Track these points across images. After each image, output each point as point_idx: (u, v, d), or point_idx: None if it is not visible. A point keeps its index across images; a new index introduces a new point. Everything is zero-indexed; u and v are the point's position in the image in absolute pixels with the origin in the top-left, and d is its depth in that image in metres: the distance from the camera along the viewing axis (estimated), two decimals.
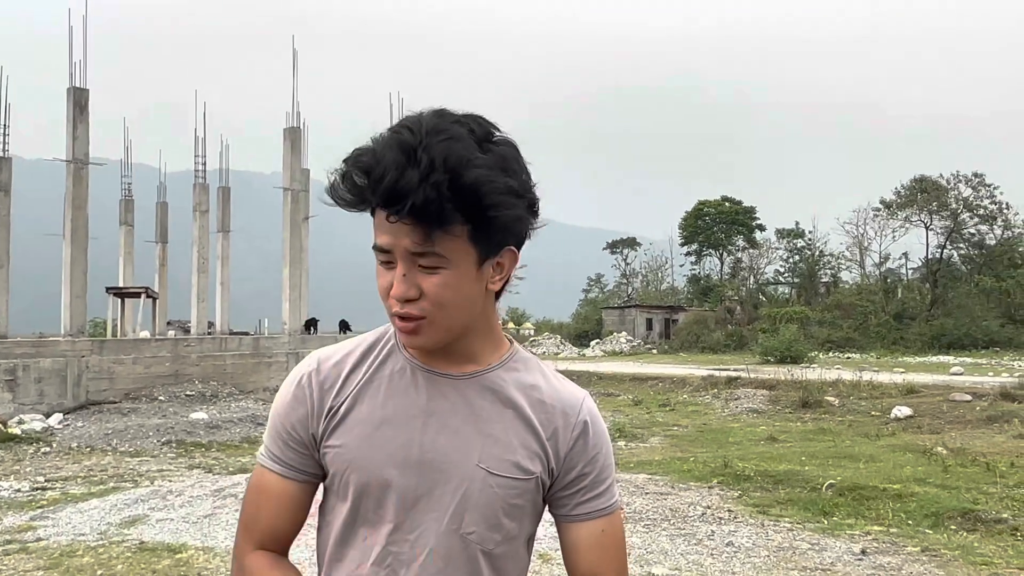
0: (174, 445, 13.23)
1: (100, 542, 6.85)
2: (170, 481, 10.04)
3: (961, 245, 58.80)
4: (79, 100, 19.88)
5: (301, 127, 24.40)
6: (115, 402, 17.88)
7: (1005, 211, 56.72)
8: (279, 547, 1.43)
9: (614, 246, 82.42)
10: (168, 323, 31.62)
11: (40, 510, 8.28)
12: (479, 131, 1.25)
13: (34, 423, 14.90)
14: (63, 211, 20.03)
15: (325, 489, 1.43)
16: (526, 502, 1.36)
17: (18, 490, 9.51)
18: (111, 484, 9.93)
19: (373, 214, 1.26)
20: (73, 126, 19.74)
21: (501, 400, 1.38)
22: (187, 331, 29.10)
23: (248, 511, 1.44)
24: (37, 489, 9.61)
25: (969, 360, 34.15)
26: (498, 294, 1.41)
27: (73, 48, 20.12)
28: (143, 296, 27.20)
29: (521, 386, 1.40)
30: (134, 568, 6.06)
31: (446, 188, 1.17)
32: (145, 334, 26.49)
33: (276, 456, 1.41)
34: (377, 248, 1.26)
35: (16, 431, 14.10)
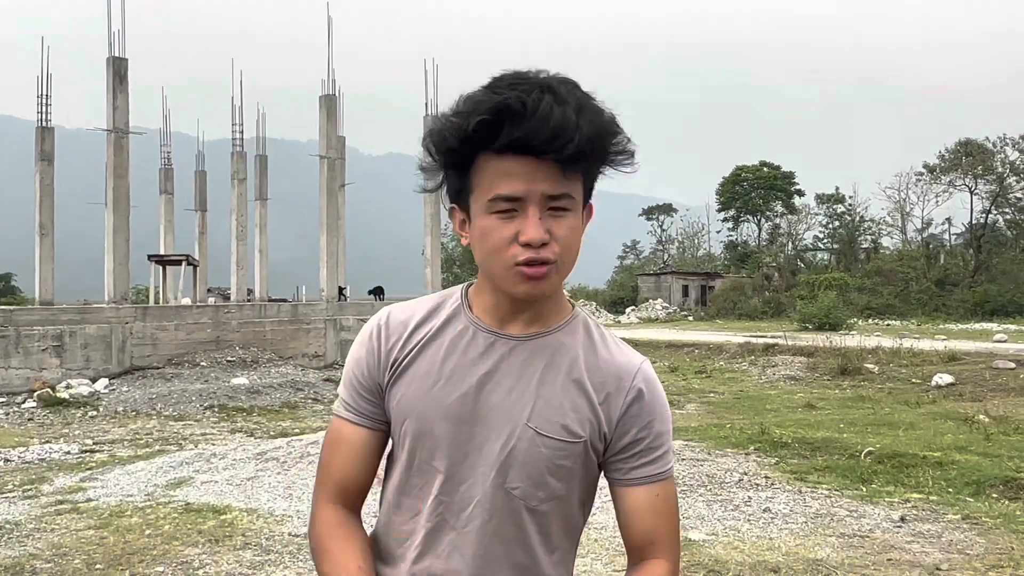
0: (216, 410, 13.50)
1: (147, 503, 7.04)
2: (213, 445, 10.25)
3: (1007, 210, 57.35)
4: (118, 70, 20.06)
5: (336, 95, 24.45)
6: (158, 367, 18.24)
7: None
8: (351, 499, 1.49)
9: (650, 212, 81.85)
10: (208, 290, 32.11)
11: (89, 472, 8.50)
12: (582, 91, 1.29)
13: (81, 388, 15.27)
14: (105, 180, 20.30)
15: (392, 440, 1.49)
16: (574, 464, 1.38)
17: (68, 452, 9.78)
18: (156, 447, 10.18)
19: (472, 163, 1.29)
20: (113, 96, 19.95)
21: (557, 363, 1.40)
22: (227, 298, 29.55)
23: (323, 463, 1.51)
24: (86, 451, 9.87)
25: (1013, 327, 33.49)
26: None
27: (112, 18, 20.28)
28: (184, 264, 27.58)
29: (579, 350, 1.42)
30: (181, 528, 6.22)
31: (598, 126, 1.24)
32: (186, 301, 26.93)
33: (349, 404, 1.48)
34: (501, 199, 1.26)
35: (64, 395, 14.48)
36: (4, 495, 7.50)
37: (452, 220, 1.40)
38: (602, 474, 1.47)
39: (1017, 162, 55.86)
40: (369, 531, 1.52)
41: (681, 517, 6.45)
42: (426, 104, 24.37)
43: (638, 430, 1.40)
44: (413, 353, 1.43)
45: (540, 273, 1.29)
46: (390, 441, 1.50)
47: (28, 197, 22.29)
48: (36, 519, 6.62)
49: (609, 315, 51.68)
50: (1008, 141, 56.27)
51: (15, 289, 45.81)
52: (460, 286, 1.49)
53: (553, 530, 1.43)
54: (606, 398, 1.40)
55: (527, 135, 1.21)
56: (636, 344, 26.25)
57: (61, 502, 7.18)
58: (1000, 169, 55.64)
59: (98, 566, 5.41)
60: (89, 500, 7.25)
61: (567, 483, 1.40)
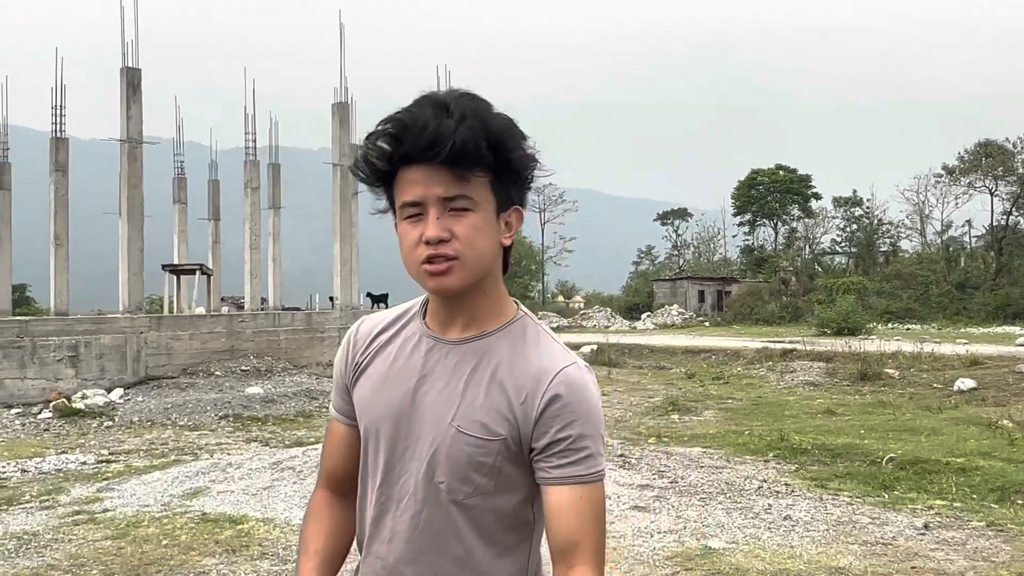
0: (231, 419, 13.56)
1: (164, 513, 7.07)
2: (229, 454, 10.29)
3: None
4: (132, 80, 20.24)
5: (349, 102, 24.55)
6: (173, 377, 18.35)
7: None
8: (339, 486, 1.70)
9: (664, 217, 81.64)
10: (222, 299, 32.25)
11: (106, 482, 8.56)
12: (478, 100, 1.46)
13: (96, 398, 15.38)
14: (119, 190, 20.48)
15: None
16: (495, 461, 1.48)
17: (84, 463, 9.85)
18: (172, 457, 10.23)
19: (393, 179, 1.46)
20: (127, 106, 20.13)
21: (484, 365, 1.52)
22: (241, 307, 29.65)
23: (321, 454, 1.75)
24: (102, 462, 9.93)
25: None
26: (505, 264, 1.61)
27: (125, 28, 20.47)
28: (198, 273, 27.75)
29: (508, 351, 1.53)
30: (198, 538, 6.25)
31: (479, 131, 1.39)
32: (200, 310, 27.06)
33: (334, 404, 1.71)
34: (406, 205, 1.44)
35: (80, 406, 14.58)
36: (22, 505, 7.56)
37: (397, 233, 1.53)
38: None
39: None
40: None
41: (700, 525, 6.46)
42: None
43: (557, 430, 1.45)
44: (369, 357, 1.62)
45: (441, 269, 1.44)
46: None
47: (43, 208, 22.44)
48: (54, 529, 6.67)
49: (625, 321, 51.52)
50: None
51: (30, 300, 46.20)
52: (424, 296, 1.62)
53: (488, 524, 1.52)
54: (525, 399, 1.47)
55: (412, 145, 1.39)
56: (652, 351, 26.23)
57: (78, 512, 7.23)
58: (1021, 170, 55.17)
59: None
60: (106, 510, 7.30)
61: (493, 479, 1.49)
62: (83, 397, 15.33)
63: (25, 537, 6.45)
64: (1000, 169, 55.32)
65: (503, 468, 1.49)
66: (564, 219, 76.66)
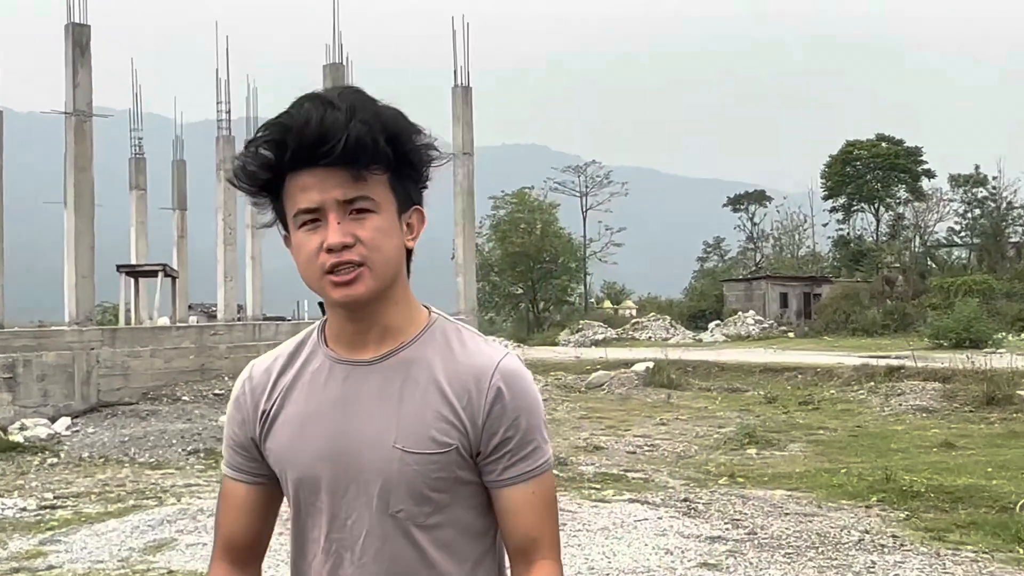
0: (202, 455, 13.68)
1: (122, 570, 7.17)
2: (200, 498, 10.38)
3: None
4: (79, 39, 20.43)
5: (345, 63, 24.65)
6: (131, 403, 18.56)
7: None
8: (239, 555, 1.83)
9: (737, 202, 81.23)
10: (190, 307, 32.59)
11: (50, 532, 8.66)
12: (366, 94, 1.61)
13: (38, 429, 15.56)
14: (63, 173, 20.67)
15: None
16: (449, 473, 1.65)
17: (23, 508, 9.97)
18: (131, 502, 10.33)
19: (282, 187, 1.60)
20: (73, 71, 20.32)
21: (415, 376, 1.67)
22: (212, 316, 29.99)
23: (215, 521, 1.86)
24: (46, 507, 10.04)
25: None
26: (408, 268, 1.73)
27: None
28: (160, 275, 28.02)
29: (436, 357, 1.69)
30: None
31: (374, 124, 1.53)
32: (164, 321, 27.34)
33: (229, 463, 1.82)
34: (301, 212, 1.57)
35: (18, 438, 14.76)
36: None
37: (288, 248, 1.67)
38: None
39: None
40: None
41: None
42: (455, 72, 24.51)
43: (505, 429, 1.65)
44: (278, 402, 1.74)
45: (347, 279, 1.57)
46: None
47: None
48: None
49: (688, 332, 51.26)
50: None
51: None
52: (317, 323, 1.78)
53: (453, 540, 1.70)
54: (468, 402, 1.64)
55: (299, 146, 1.53)
56: (722, 369, 26.07)
57: (17, 570, 7.33)
58: None
59: None
60: (51, 567, 7.39)
61: (449, 492, 1.66)
62: (22, 428, 15.52)
63: None
64: None
65: (458, 477, 1.66)
66: (612, 205, 76.26)
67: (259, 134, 1.59)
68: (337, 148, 1.51)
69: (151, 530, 8.49)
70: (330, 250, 1.55)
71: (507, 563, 1.78)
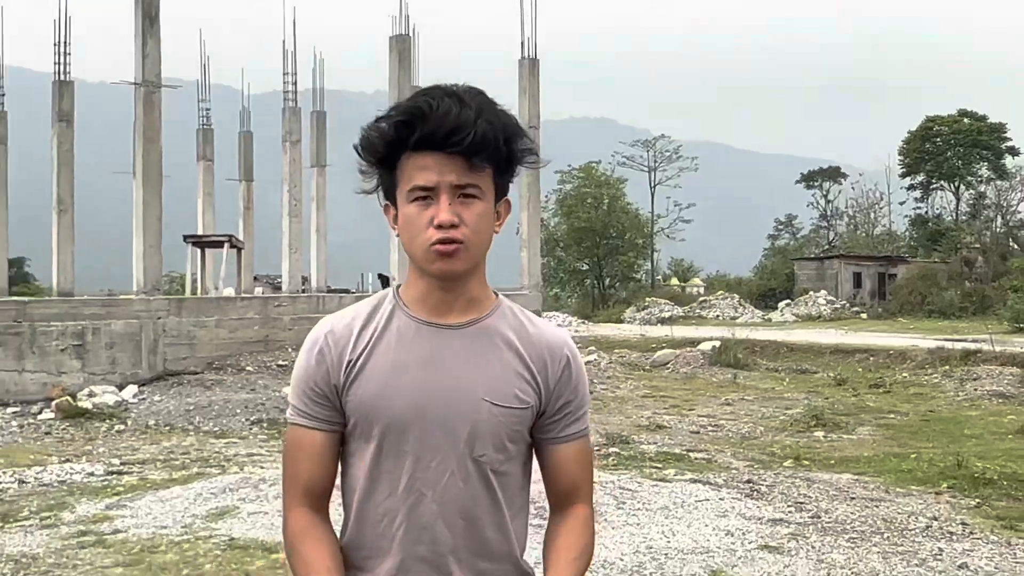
0: (265, 425, 13.92)
1: (185, 537, 7.32)
2: (262, 468, 10.57)
3: None
4: (148, 10, 20.66)
5: (411, 35, 24.69)
6: (196, 372, 18.87)
7: None
8: (317, 501, 1.94)
9: (810, 178, 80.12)
10: (255, 278, 33.01)
11: (117, 498, 8.87)
12: (488, 97, 1.83)
13: (106, 396, 15.91)
14: (132, 145, 20.97)
15: (346, 436, 1.94)
16: (523, 428, 1.91)
17: (91, 474, 10.22)
18: (195, 469, 10.54)
19: (397, 163, 1.82)
20: (143, 42, 20.57)
21: (497, 343, 1.91)
22: (277, 288, 30.38)
23: (288, 471, 1.97)
24: (112, 473, 10.28)
25: None
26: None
27: None
28: (226, 246, 28.37)
29: (512, 329, 1.94)
30: (224, 568, 6.47)
31: (497, 125, 1.76)
32: (229, 291, 27.72)
33: (305, 412, 1.93)
34: (417, 188, 1.79)
35: (87, 405, 15.11)
36: (20, 523, 7.89)
37: (387, 216, 1.91)
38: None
39: None
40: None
41: (850, 572, 6.38)
42: (522, 44, 24.43)
43: (568, 393, 1.95)
44: (365, 353, 1.89)
45: (450, 250, 1.78)
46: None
47: (43, 166, 23.24)
48: (56, 552, 6.94)
49: (757, 311, 50.81)
50: None
51: (29, 277, 48.04)
52: (389, 288, 1.99)
53: (513, 488, 1.94)
54: (543, 367, 1.92)
55: (432, 131, 1.73)
56: (792, 349, 25.82)
57: (84, 533, 7.49)
58: None
59: None
60: (117, 531, 7.56)
61: (517, 446, 1.92)
62: (90, 395, 15.84)
63: (23, 560, 6.74)
64: None
65: (523, 434, 1.93)
66: (680, 180, 75.73)
67: (391, 113, 1.80)
68: (466, 140, 1.72)
69: (214, 498, 8.66)
70: (440, 226, 1.76)
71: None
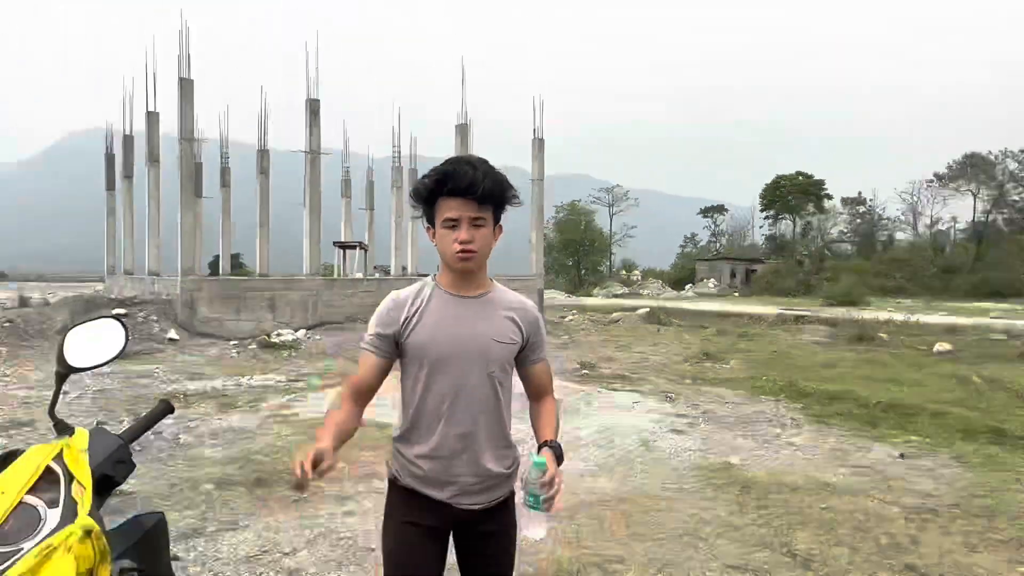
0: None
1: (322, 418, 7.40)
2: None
3: (1004, 210, 52.97)
4: (313, 108, 20.83)
5: (468, 124, 24.58)
6: (339, 323, 18.99)
7: None
8: (360, 397, 1.95)
9: (706, 211, 79.34)
10: (374, 267, 33.10)
11: (293, 395, 9.00)
12: (491, 164, 1.87)
13: (286, 335, 16.09)
14: (304, 188, 21.19)
15: (404, 365, 1.94)
16: (513, 356, 1.95)
17: (278, 381, 10.37)
18: (338, 379, 10.66)
19: (434, 204, 1.84)
20: (309, 128, 20.74)
21: (496, 306, 1.94)
22: (387, 273, 30.41)
23: (353, 376, 1.98)
24: (291, 380, 10.44)
25: (1006, 306, 30.98)
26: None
27: (309, 71, 21.08)
28: (357, 248, 28.49)
29: (504, 299, 1.97)
30: (360, 437, 6.51)
31: (496, 185, 1.81)
32: (359, 275, 27.87)
33: (372, 344, 1.94)
34: (448, 219, 1.81)
35: (276, 340, 15.30)
36: (238, 409, 8.04)
37: (428, 234, 1.90)
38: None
39: (1016, 171, 51.41)
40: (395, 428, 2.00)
41: (722, 446, 6.41)
42: (534, 130, 24.26)
43: (535, 336, 1.99)
44: (417, 314, 1.90)
45: (468, 256, 1.83)
46: (401, 366, 1.96)
47: (252, 201, 23.49)
48: (259, 426, 7.09)
49: (672, 290, 50.51)
50: (1009, 154, 51.83)
51: (243, 265, 48.48)
52: (429, 277, 1.97)
53: (507, 391, 1.97)
54: (523, 319, 1.96)
55: (457, 186, 1.78)
56: (692, 313, 25.68)
57: (274, 415, 7.64)
58: (1000, 177, 51.34)
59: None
60: (295, 414, 7.70)
61: (512, 364, 1.96)
62: (278, 335, 16.05)
63: (241, 430, 6.89)
64: (982, 176, 51.61)
65: (512, 361, 1.96)
66: (628, 213, 75.66)
67: (432, 173, 1.83)
68: (477, 192, 1.78)
69: None
70: (462, 243, 1.81)
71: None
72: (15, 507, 1.32)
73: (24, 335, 13.85)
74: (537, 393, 2.02)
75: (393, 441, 1.99)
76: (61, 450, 1.41)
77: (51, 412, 1.56)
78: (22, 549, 1.26)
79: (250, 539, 4.07)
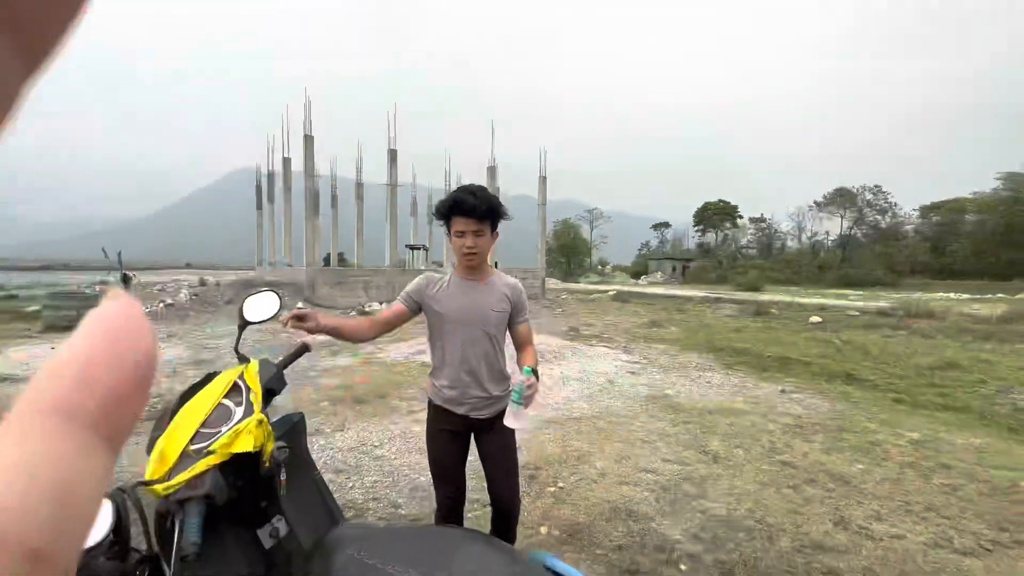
0: None
1: (405, 362, 7.42)
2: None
3: (863, 227, 51.79)
4: (392, 156, 20.84)
5: (495, 166, 24.32)
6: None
7: (893, 207, 49.58)
8: (381, 326, 1.82)
9: (656, 226, 78.49)
10: (432, 262, 33.13)
11: (380, 347, 8.98)
12: (483, 188, 1.76)
13: (375, 306, 16.07)
14: (386, 209, 21.28)
15: (432, 326, 1.86)
16: (506, 319, 1.87)
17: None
18: (407, 338, 10.69)
19: (450, 220, 1.75)
20: (389, 168, 20.80)
21: (494, 287, 1.86)
22: (440, 265, 30.40)
23: (385, 312, 1.87)
24: (378, 339, 10.44)
25: (863, 293, 30.38)
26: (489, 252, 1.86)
27: (390, 128, 21.02)
28: (421, 249, 28.55)
29: (499, 281, 1.88)
30: (423, 374, 6.57)
31: (488, 206, 1.71)
32: (422, 267, 27.86)
33: (404, 299, 1.87)
34: (457, 231, 1.74)
35: (368, 310, 15.22)
36: (341, 355, 8.11)
37: (448, 238, 1.80)
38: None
39: (871, 199, 50.28)
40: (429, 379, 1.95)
41: (661, 384, 6.37)
42: (539, 168, 24.02)
43: (518, 303, 1.88)
44: (438, 291, 1.85)
45: (471, 257, 1.77)
46: (428, 326, 1.89)
47: (351, 217, 23.61)
48: (356, 366, 7.06)
49: (632, 280, 50.13)
50: (866, 188, 50.69)
51: (346, 259, 48.84)
52: (451, 269, 1.89)
53: (501, 343, 1.88)
54: (511, 294, 1.87)
55: (461, 209, 1.71)
56: (644, 296, 25.44)
57: (366, 359, 7.67)
58: (859, 204, 50.21)
59: (382, 388, 5.82)
60: (380, 360, 7.71)
61: (503, 326, 1.87)
62: (370, 306, 16.08)
63: (345, 368, 6.84)
64: (848, 203, 50.48)
65: (506, 322, 1.86)
66: (603, 227, 74.96)
67: (446, 199, 1.75)
68: (476, 214, 1.70)
69: (417, 348, 8.70)
70: (467, 248, 1.74)
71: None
72: (216, 406, 1.43)
73: (203, 304, 14.14)
74: (521, 344, 1.91)
75: (429, 376, 1.97)
76: (242, 372, 1.52)
77: (235, 349, 1.66)
78: (221, 431, 1.37)
79: (351, 437, 4.18)
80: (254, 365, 1.57)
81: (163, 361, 6.75)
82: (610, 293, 24.25)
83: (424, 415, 4.63)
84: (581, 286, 37.06)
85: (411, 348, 8.63)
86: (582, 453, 3.87)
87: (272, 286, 16.98)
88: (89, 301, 10.27)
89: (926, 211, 48.77)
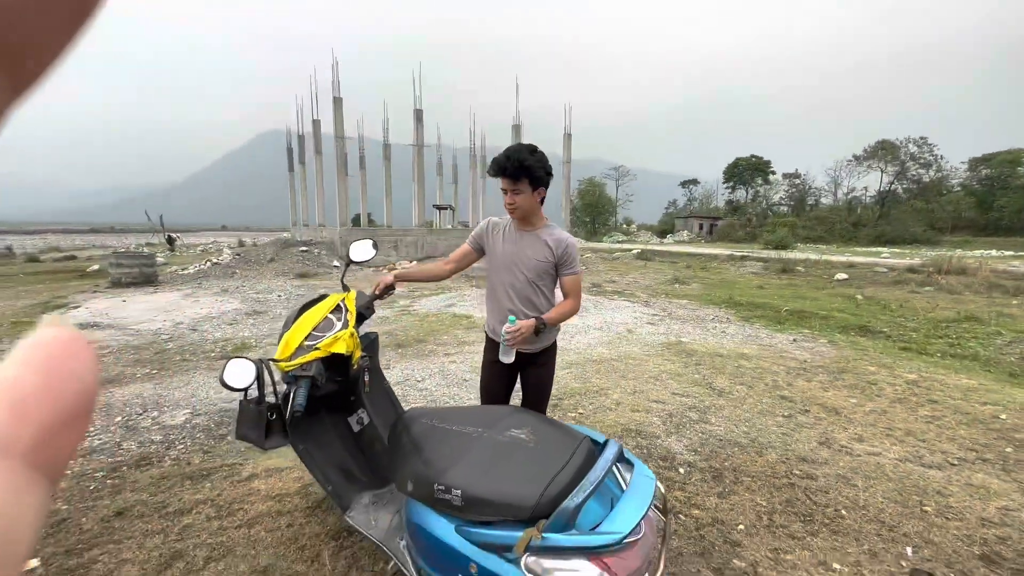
0: (465, 277, 14.54)
1: (437, 312, 7.91)
2: (465, 294, 11.16)
3: (904, 182, 49.05)
4: (418, 116, 20.83)
5: (520, 124, 24.09)
6: (434, 256, 19.51)
7: (939, 160, 46.54)
8: (451, 264, 2.02)
9: (684, 184, 76.02)
10: (458, 221, 33.46)
11: (412, 301, 9.44)
12: (531, 147, 1.81)
13: (403, 263, 16.65)
14: (412, 169, 21.49)
15: (488, 271, 1.98)
16: (548, 269, 1.92)
17: (402, 291, 10.96)
18: (439, 292, 11.18)
19: (497, 177, 1.84)
20: (416, 128, 20.84)
21: (540, 237, 1.92)
22: (466, 225, 30.71)
23: (455, 252, 2.05)
24: (410, 291, 11.00)
25: (897, 250, 29.37)
26: (540, 206, 1.93)
27: (415, 87, 20.92)
28: (448, 209, 28.82)
29: (548, 233, 1.93)
30: (452, 323, 7.00)
31: (519, 166, 1.77)
32: (448, 227, 28.25)
33: (470, 242, 2.01)
34: (502, 188, 1.83)
35: (398, 267, 15.92)
36: (381, 308, 8.70)
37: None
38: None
39: (915, 152, 47.29)
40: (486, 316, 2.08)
41: (680, 333, 6.71)
42: (564, 126, 23.66)
43: (564, 256, 1.92)
44: (497, 236, 1.96)
45: (513, 211, 1.85)
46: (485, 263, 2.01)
47: (379, 178, 23.96)
48: (394, 317, 7.60)
49: (658, 238, 49.43)
50: (911, 140, 47.60)
51: (373, 220, 49.72)
52: (508, 217, 1.97)
53: (544, 291, 1.94)
54: (556, 246, 1.91)
55: (500, 168, 1.79)
56: (670, 254, 25.31)
57: (403, 312, 8.15)
58: (903, 157, 47.34)
59: (419, 334, 6.35)
60: (414, 311, 8.18)
61: (546, 275, 1.93)
62: (399, 263, 16.68)
63: (384, 318, 7.42)
64: (889, 157, 47.67)
65: (550, 271, 1.92)
66: (628, 185, 73.21)
67: (495, 159, 1.82)
68: (507, 172, 1.79)
69: (447, 301, 9.12)
70: (508, 203, 1.83)
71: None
72: (323, 319, 1.93)
73: (247, 262, 14.98)
74: (565, 294, 1.95)
75: (486, 314, 2.14)
76: (344, 297, 2.01)
77: (341, 280, 2.16)
78: (325, 335, 1.88)
79: (396, 373, 4.73)
80: (353, 293, 2.05)
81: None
82: (634, 252, 24.23)
83: (466, 357, 5.13)
84: (605, 245, 36.89)
85: (442, 301, 9.10)
86: (600, 388, 4.32)
87: (306, 244, 17.69)
88: (146, 259, 11.12)
89: (975, 164, 45.82)
